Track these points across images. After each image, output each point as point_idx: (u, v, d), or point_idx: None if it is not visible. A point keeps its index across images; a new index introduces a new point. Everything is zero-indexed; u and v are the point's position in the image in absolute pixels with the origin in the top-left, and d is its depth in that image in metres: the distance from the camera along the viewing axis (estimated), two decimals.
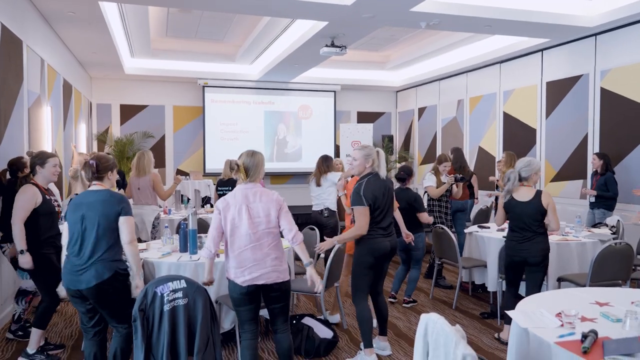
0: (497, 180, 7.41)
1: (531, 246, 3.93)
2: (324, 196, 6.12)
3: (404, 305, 5.30)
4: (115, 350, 3.14)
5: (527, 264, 3.99)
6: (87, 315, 3.15)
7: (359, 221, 3.66)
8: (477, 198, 8.35)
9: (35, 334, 3.78)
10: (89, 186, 3.19)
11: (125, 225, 3.06)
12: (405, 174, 5.15)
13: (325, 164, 6.16)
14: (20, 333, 4.30)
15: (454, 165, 6.48)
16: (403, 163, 5.89)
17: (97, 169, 3.11)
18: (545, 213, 3.91)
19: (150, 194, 5.81)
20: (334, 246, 4.06)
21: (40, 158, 3.92)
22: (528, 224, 3.93)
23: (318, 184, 6.12)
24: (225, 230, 3.09)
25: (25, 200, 3.67)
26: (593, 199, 6.43)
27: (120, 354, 3.14)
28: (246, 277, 3.04)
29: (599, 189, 6.32)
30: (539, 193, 3.93)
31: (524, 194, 3.96)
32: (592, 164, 6.56)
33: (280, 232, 3.20)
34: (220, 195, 6.29)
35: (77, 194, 4.45)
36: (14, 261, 4.15)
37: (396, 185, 5.11)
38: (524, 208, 3.93)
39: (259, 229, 3.07)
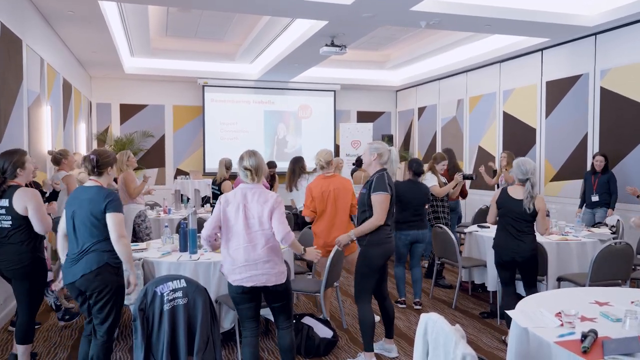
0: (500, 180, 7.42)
1: (521, 245, 3.97)
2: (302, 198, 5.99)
3: (415, 307, 5.20)
4: (91, 357, 3.06)
5: (516, 264, 4.05)
6: (85, 310, 3.13)
7: (379, 211, 3.58)
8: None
9: (24, 351, 3.49)
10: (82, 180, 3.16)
11: (110, 222, 3.00)
12: (422, 168, 5.27)
13: (300, 167, 6.02)
14: (67, 317, 4.50)
15: (448, 165, 6.48)
16: (414, 157, 5.73)
17: (97, 163, 3.10)
18: (535, 215, 3.95)
19: (124, 193, 5.82)
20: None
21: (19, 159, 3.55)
22: (517, 221, 3.97)
23: (295, 188, 5.99)
24: (222, 227, 3.09)
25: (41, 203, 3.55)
26: (597, 198, 6.40)
27: None
28: (236, 276, 3.05)
29: (601, 188, 6.33)
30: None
31: (518, 192, 3.98)
32: (597, 164, 6.42)
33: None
34: (215, 195, 6.32)
35: None
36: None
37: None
38: (516, 205, 3.95)
39: (253, 230, 3.06)
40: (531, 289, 4.08)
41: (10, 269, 3.41)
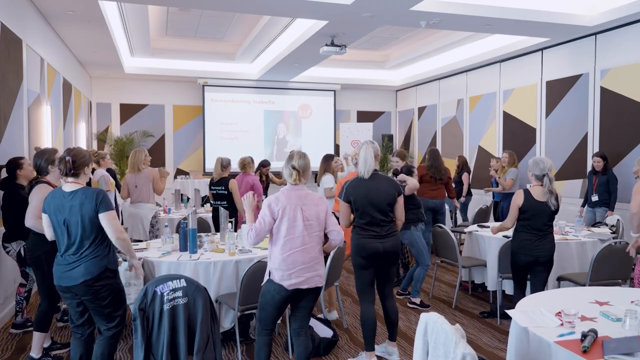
0: (497, 177, 7.50)
1: (545, 245, 3.93)
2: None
3: (396, 296, 5.33)
4: (98, 355, 3.06)
5: (537, 264, 3.96)
6: (77, 312, 3.09)
7: (340, 215, 3.79)
8: (463, 196, 8.42)
9: (38, 338, 3.69)
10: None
11: (105, 221, 2.95)
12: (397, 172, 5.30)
13: (324, 165, 6.14)
14: (65, 317, 4.45)
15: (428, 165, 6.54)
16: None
17: (73, 165, 2.99)
18: (557, 211, 3.94)
19: (147, 191, 5.79)
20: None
21: (50, 157, 3.72)
22: (544, 223, 3.93)
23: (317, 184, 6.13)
24: (277, 231, 3.03)
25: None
26: (596, 198, 6.45)
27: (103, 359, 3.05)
28: (293, 280, 3.00)
29: (601, 188, 6.39)
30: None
31: (539, 193, 3.92)
32: (596, 164, 6.48)
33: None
34: (214, 195, 5.97)
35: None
36: (20, 259, 4.16)
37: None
38: (541, 207, 3.89)
39: (310, 232, 3.06)
40: (540, 290, 3.97)
41: (30, 256, 3.65)
